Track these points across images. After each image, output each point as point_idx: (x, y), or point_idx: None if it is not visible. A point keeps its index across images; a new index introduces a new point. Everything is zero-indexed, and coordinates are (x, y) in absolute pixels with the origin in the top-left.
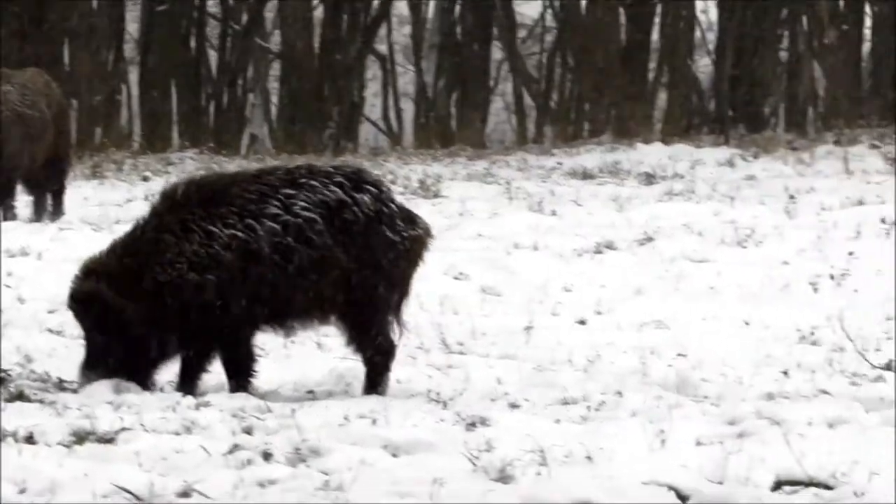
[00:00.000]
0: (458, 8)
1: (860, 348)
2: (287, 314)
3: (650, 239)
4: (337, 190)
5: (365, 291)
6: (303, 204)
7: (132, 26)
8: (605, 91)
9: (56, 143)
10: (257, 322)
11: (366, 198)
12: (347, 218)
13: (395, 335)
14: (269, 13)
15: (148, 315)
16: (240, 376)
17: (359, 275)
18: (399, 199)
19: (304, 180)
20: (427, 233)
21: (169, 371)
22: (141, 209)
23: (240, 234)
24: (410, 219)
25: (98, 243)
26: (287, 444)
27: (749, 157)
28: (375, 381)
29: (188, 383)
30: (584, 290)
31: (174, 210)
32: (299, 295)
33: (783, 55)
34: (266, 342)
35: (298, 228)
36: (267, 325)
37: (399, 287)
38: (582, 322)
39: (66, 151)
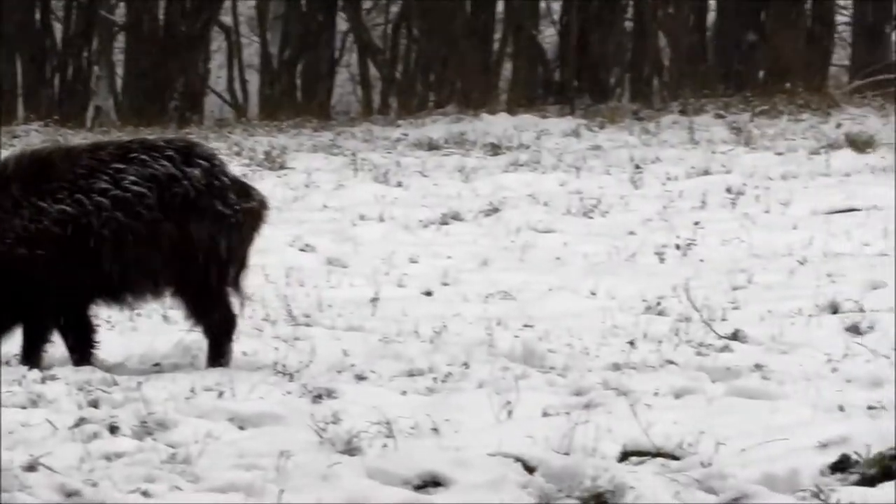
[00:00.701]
0: None
1: (706, 318)
2: (119, 289)
3: (496, 210)
4: (167, 164)
5: (197, 265)
6: (133, 178)
7: None
8: (451, 62)
9: None
10: (89, 296)
11: (196, 171)
12: (178, 192)
13: (235, 307)
14: None
15: None
16: (80, 349)
17: (190, 248)
18: (243, 171)
19: (134, 155)
20: (262, 205)
21: (15, 344)
22: None
23: (69, 208)
24: (245, 191)
25: None
26: (133, 417)
27: (595, 128)
28: (218, 354)
29: (32, 356)
30: (430, 261)
31: (4, 185)
32: (130, 269)
33: (628, 25)
34: (112, 315)
35: (128, 203)
36: (99, 299)
37: (235, 260)
38: (428, 293)
39: None
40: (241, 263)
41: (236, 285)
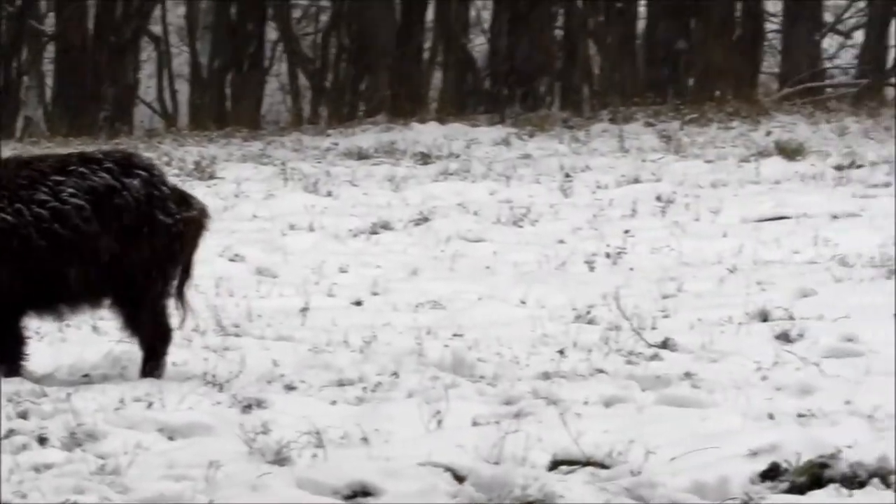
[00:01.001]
0: None
1: (636, 327)
2: (56, 299)
3: (426, 219)
4: (106, 176)
5: (137, 276)
6: (71, 190)
7: None
8: (380, 71)
9: None
10: (24, 307)
11: (136, 182)
12: (117, 203)
13: (174, 318)
14: None
15: None
16: (9, 360)
17: (130, 260)
18: (174, 181)
19: (73, 167)
20: (203, 213)
21: None
22: None
23: (8, 218)
24: (184, 200)
25: None
26: (63, 429)
27: (524, 136)
28: (152, 366)
29: None
30: (359, 270)
31: None
32: (68, 281)
33: (558, 33)
34: (41, 326)
35: (66, 215)
36: (36, 310)
37: (176, 270)
38: (358, 303)
39: None
40: (185, 273)
41: (181, 295)
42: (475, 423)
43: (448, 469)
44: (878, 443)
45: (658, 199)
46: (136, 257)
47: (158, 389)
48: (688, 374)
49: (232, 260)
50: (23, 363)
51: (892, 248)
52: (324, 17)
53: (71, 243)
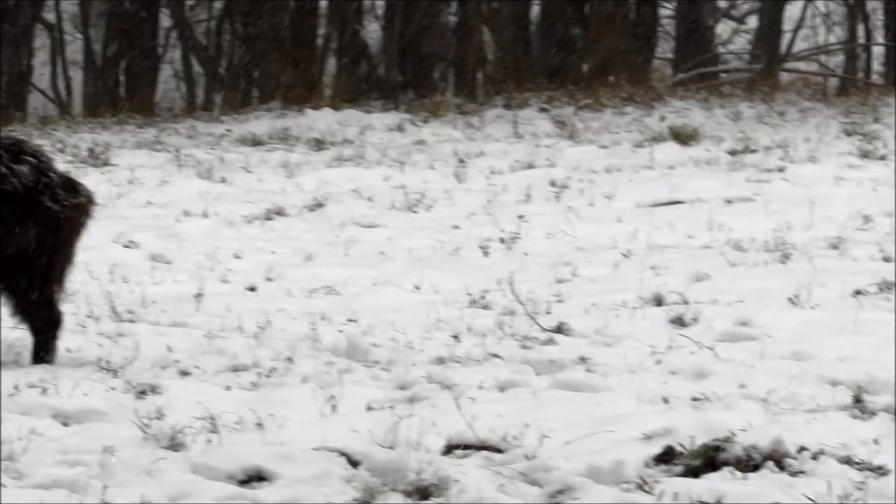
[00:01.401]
0: None
1: (530, 311)
2: None
3: (320, 205)
4: None
5: (26, 262)
6: None
7: None
8: (275, 57)
9: None
10: None
11: (24, 168)
12: (6, 189)
13: (61, 304)
14: None
15: None
16: None
17: (18, 246)
18: (67, 168)
19: None
20: (90, 200)
21: None
22: None
23: None
24: (72, 187)
25: None
26: None
27: (419, 122)
28: (43, 351)
29: None
30: (254, 256)
31: None
32: None
33: (452, 20)
34: None
35: None
36: None
37: (63, 256)
38: (252, 289)
39: None
40: (68, 259)
41: (61, 282)
42: (369, 408)
43: (342, 454)
44: (772, 426)
45: (552, 184)
46: (23, 243)
47: (53, 375)
48: (582, 359)
49: (126, 246)
50: None
51: (786, 232)
52: (217, 5)
53: None
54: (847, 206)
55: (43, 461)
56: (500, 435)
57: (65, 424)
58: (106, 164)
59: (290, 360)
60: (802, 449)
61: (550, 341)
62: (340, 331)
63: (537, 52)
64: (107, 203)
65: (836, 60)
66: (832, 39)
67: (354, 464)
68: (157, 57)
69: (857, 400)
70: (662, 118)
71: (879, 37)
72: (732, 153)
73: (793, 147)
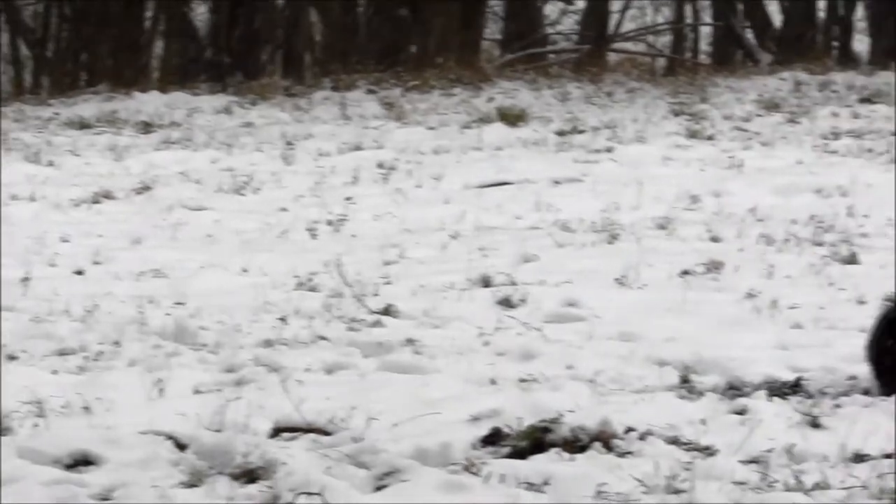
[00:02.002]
0: None
1: (358, 293)
2: None
3: (148, 188)
4: None
5: None
6: None
7: None
8: (102, 40)
9: None
10: None
11: None
12: None
13: None
14: None
15: None
16: None
17: None
18: None
19: None
20: None
21: None
22: None
23: None
24: None
25: None
26: None
27: (246, 105)
28: None
29: None
30: (81, 240)
31: None
32: None
33: (280, 2)
34: None
35: None
36: None
37: None
38: (80, 272)
39: None
40: None
41: None
42: (197, 391)
43: (170, 437)
44: (600, 407)
45: (380, 166)
46: None
47: None
48: (410, 341)
49: None
50: None
51: (614, 212)
52: None
53: None
54: (675, 187)
55: None
56: (328, 417)
57: None
58: None
59: (117, 343)
60: (630, 429)
61: (378, 323)
62: (168, 314)
63: (365, 33)
64: None
65: (664, 41)
66: (660, 20)
67: (182, 447)
68: None
69: (685, 380)
70: (490, 99)
71: (707, 17)
72: (560, 134)
73: (621, 128)
